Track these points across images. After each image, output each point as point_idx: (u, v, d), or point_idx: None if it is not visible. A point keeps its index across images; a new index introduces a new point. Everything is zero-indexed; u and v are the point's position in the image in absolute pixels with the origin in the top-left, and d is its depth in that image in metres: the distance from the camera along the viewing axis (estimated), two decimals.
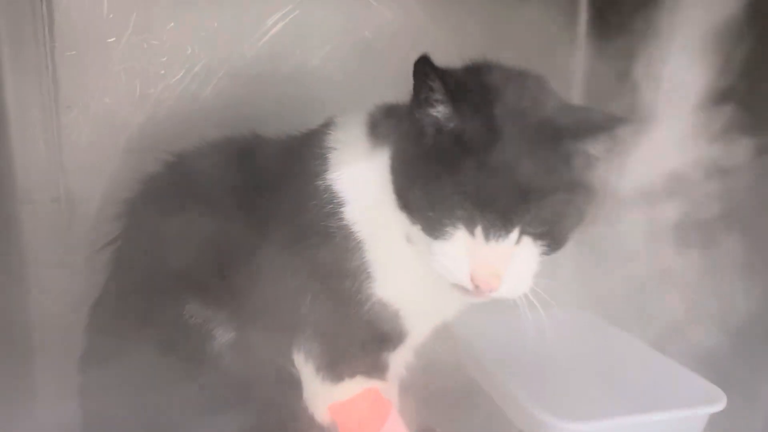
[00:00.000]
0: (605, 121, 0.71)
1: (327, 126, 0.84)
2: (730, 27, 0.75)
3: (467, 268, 0.68)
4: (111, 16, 1.03)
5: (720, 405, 0.87)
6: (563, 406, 0.88)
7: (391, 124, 0.79)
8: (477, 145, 0.68)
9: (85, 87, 1.04)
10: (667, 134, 0.78)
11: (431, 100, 0.70)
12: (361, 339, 0.81)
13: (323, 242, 0.78)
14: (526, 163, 0.67)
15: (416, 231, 0.72)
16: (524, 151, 0.67)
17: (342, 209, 0.78)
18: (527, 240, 0.70)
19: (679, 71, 0.80)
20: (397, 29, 1.17)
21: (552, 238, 0.71)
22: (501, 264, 0.69)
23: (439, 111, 0.70)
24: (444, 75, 0.68)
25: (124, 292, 0.84)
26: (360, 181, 0.79)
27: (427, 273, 0.75)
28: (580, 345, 1.11)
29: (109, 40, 1.03)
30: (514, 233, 0.68)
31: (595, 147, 0.71)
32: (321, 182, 0.79)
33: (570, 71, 1.30)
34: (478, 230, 0.68)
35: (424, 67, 0.67)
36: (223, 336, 0.80)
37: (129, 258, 0.86)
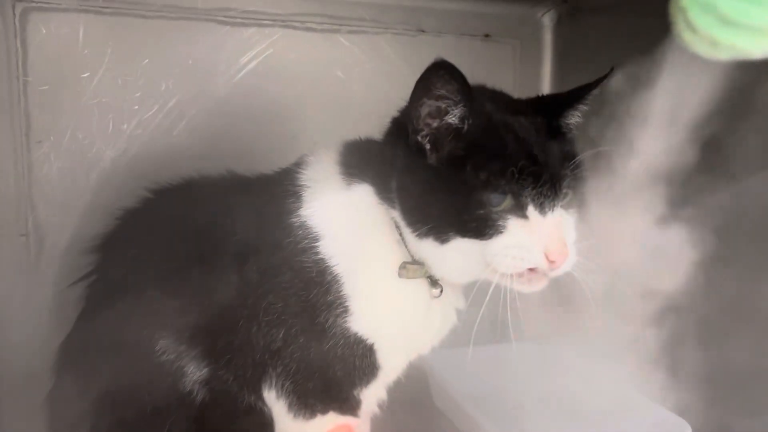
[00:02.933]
0: (578, 93, 0.79)
1: (299, 165, 0.86)
2: None
3: (537, 248, 0.70)
4: (86, 51, 1.04)
5: None
6: None
7: (368, 160, 0.82)
8: (501, 133, 0.73)
9: (57, 122, 1.04)
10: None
11: (442, 109, 0.71)
12: (335, 375, 0.81)
13: (297, 277, 0.79)
14: (548, 137, 0.74)
15: (447, 250, 0.73)
16: (540, 128, 0.74)
17: (317, 244, 0.79)
18: (560, 211, 0.74)
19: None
20: (368, 68, 1.21)
21: (573, 203, 0.76)
22: (562, 232, 0.72)
23: (455, 115, 0.72)
24: (459, 74, 0.69)
25: (97, 328, 0.83)
26: (335, 216, 0.80)
27: (406, 305, 0.80)
28: (547, 378, 1.12)
29: (83, 75, 1.04)
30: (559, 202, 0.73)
31: (574, 117, 0.81)
32: (295, 219, 0.80)
33: None
34: (530, 210, 0.71)
35: (439, 70, 0.68)
36: (195, 373, 0.79)
37: (103, 293, 0.85)
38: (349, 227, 0.80)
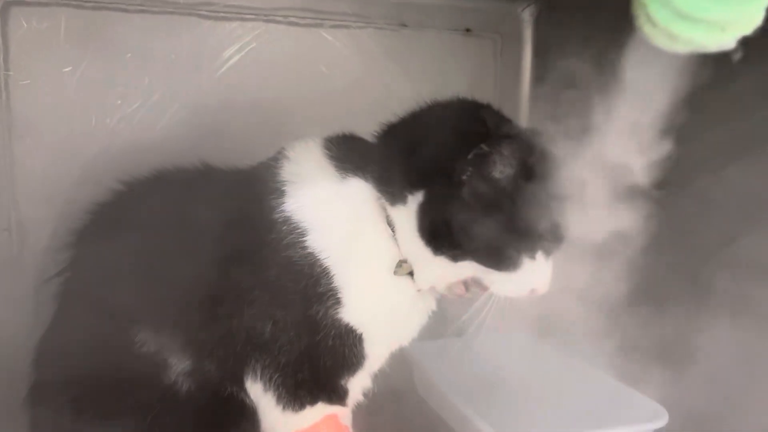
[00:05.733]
0: None
1: (278, 159, 0.85)
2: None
3: (533, 285, 0.80)
4: (68, 45, 1.03)
5: (662, 422, 0.92)
6: (514, 427, 0.91)
7: (364, 155, 0.83)
8: (536, 192, 0.76)
9: (39, 116, 1.03)
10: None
11: (496, 164, 0.75)
12: (324, 365, 0.82)
13: (285, 272, 0.79)
14: (563, 191, 0.78)
15: (440, 263, 0.78)
16: (558, 185, 0.78)
17: (305, 238, 0.79)
18: None
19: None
20: (351, 62, 1.21)
21: None
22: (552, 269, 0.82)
23: (503, 174, 0.75)
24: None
25: (74, 323, 0.83)
26: (325, 210, 0.81)
27: (394, 298, 0.83)
28: (527, 367, 1.14)
29: (65, 70, 1.04)
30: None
31: None
32: (279, 215, 0.80)
33: (516, 100, 1.37)
34: (539, 254, 0.79)
35: (513, 144, 0.75)
36: (178, 365, 0.79)
37: (79, 288, 0.84)
38: (340, 220, 0.81)
